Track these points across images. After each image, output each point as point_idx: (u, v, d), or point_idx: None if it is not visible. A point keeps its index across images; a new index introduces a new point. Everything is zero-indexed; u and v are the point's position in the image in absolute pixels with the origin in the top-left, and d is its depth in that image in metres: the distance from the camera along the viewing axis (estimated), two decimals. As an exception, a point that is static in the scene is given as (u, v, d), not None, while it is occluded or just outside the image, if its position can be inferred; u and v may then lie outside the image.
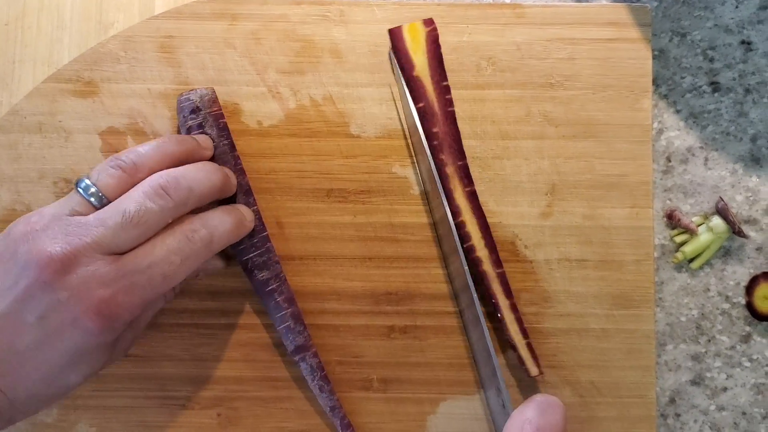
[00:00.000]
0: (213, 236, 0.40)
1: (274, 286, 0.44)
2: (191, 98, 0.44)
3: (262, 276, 0.44)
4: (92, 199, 0.39)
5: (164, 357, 0.46)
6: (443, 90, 0.47)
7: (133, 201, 0.38)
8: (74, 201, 0.39)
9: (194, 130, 0.44)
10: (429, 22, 0.47)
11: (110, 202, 0.39)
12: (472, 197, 0.46)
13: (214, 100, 0.45)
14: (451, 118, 0.46)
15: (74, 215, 0.38)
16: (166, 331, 0.46)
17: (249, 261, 0.44)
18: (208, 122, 0.44)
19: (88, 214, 0.38)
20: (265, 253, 0.44)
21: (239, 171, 0.44)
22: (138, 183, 0.39)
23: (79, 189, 0.39)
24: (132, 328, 0.41)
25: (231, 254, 0.46)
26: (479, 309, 0.44)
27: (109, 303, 0.37)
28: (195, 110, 0.44)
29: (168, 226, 0.39)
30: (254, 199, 0.45)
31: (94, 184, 0.39)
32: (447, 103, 0.46)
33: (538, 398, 0.42)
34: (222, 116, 0.44)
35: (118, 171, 0.40)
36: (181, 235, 0.39)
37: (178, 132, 0.46)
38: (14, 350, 0.37)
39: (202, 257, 0.40)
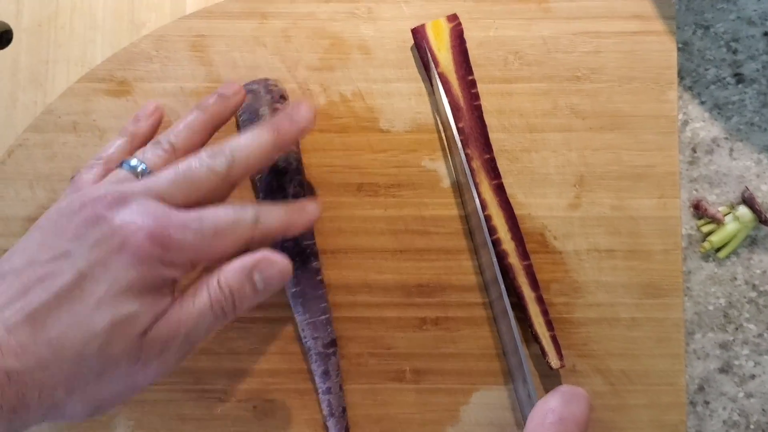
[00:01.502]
0: (260, 221, 0.39)
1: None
2: (278, 85, 0.46)
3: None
4: (135, 172, 0.40)
5: (200, 351, 0.47)
6: (469, 85, 0.47)
7: (183, 162, 0.39)
8: (122, 174, 0.40)
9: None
10: (453, 18, 0.47)
11: None
12: (499, 190, 0.47)
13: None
14: (477, 113, 0.47)
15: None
16: (200, 326, 0.47)
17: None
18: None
19: None
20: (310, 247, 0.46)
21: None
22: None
23: (125, 167, 0.40)
24: (187, 342, 0.38)
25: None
26: (507, 301, 0.44)
27: (161, 233, 0.36)
28: (284, 96, 0.47)
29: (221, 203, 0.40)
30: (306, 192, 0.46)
31: (142, 162, 0.40)
32: (473, 97, 0.47)
33: (563, 388, 0.42)
34: None
35: (162, 152, 0.41)
36: (231, 209, 0.39)
37: (239, 119, 0.47)
38: (51, 293, 0.35)
39: (247, 236, 0.39)
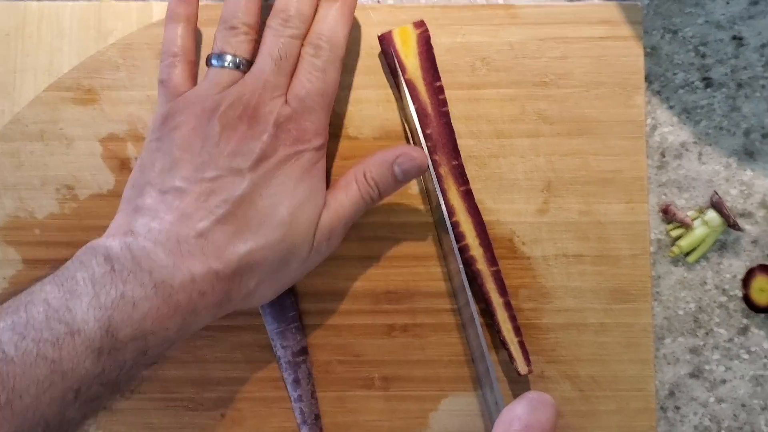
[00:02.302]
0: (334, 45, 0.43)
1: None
2: None
3: None
4: (238, 67, 0.42)
5: (167, 359, 0.47)
6: (436, 90, 0.47)
7: (269, 46, 0.42)
8: (221, 77, 0.42)
9: None
10: (420, 24, 0.47)
11: (250, 63, 0.43)
12: (467, 196, 0.47)
13: None
14: (445, 119, 0.47)
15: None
16: (169, 334, 0.47)
17: None
18: None
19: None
20: None
21: None
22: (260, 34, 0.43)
23: (220, 64, 0.42)
24: (346, 227, 0.44)
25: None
26: (474, 308, 0.44)
27: (299, 126, 0.41)
28: None
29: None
30: None
31: (232, 54, 0.42)
32: (441, 103, 0.47)
33: (529, 395, 0.42)
34: None
35: (241, 35, 0.43)
36: (306, 61, 0.43)
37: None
38: (234, 199, 0.40)
39: (337, 64, 0.43)
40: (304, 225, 0.41)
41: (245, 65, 0.42)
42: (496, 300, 0.46)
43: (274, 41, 0.42)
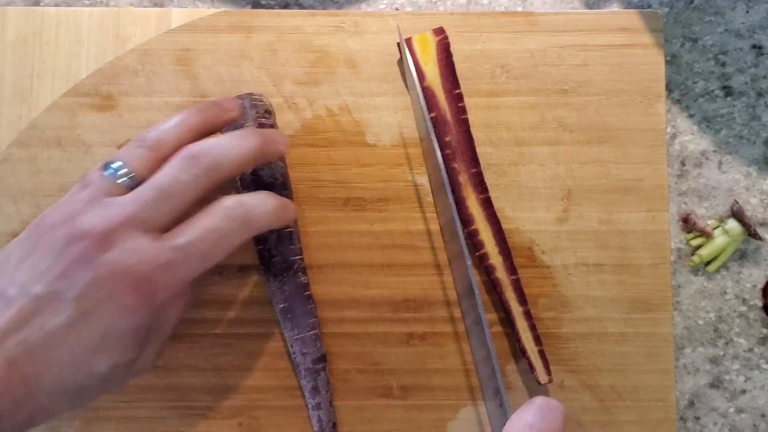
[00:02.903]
0: (251, 216, 0.40)
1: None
2: (264, 100, 0.46)
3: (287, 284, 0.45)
4: (124, 180, 0.39)
5: (185, 367, 0.47)
6: (455, 98, 0.47)
7: (165, 174, 0.39)
8: (106, 185, 0.39)
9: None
10: (439, 31, 0.47)
11: (142, 182, 0.39)
12: (486, 204, 0.46)
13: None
14: (464, 127, 0.47)
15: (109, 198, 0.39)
16: (186, 342, 0.47)
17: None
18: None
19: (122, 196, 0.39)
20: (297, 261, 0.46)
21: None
22: (166, 159, 0.40)
23: (108, 172, 0.39)
24: (161, 331, 0.40)
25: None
26: (482, 310, 0.42)
27: (148, 280, 0.37)
28: (269, 111, 0.46)
29: (206, 206, 0.40)
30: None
31: (125, 165, 0.39)
32: (460, 111, 0.47)
33: (537, 401, 0.41)
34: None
35: (146, 151, 0.40)
36: (217, 213, 0.39)
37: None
38: (47, 331, 0.36)
39: (239, 237, 0.40)
40: (125, 370, 0.39)
41: (132, 182, 0.39)
42: (516, 309, 0.46)
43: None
